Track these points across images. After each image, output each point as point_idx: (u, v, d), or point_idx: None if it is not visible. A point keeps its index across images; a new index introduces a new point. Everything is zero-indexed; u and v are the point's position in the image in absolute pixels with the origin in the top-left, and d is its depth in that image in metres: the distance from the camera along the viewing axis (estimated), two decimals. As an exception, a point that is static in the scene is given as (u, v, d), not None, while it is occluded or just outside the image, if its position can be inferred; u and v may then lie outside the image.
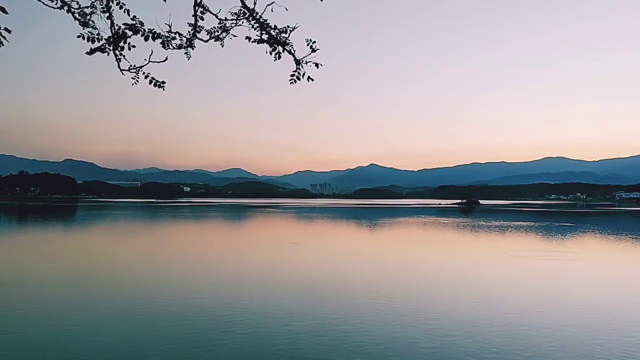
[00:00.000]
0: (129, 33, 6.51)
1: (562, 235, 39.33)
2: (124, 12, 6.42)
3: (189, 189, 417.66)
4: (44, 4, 6.17)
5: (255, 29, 6.89)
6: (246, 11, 6.82)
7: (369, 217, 73.36)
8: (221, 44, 7.17)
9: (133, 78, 6.92)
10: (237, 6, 6.83)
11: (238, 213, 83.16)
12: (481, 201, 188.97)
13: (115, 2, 6.42)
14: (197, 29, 6.99)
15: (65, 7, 6.35)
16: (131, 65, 6.91)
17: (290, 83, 7.13)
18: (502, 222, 57.62)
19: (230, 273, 19.07)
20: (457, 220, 63.96)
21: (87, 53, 6.56)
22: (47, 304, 13.18)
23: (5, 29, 5.42)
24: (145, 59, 6.88)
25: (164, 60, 7.12)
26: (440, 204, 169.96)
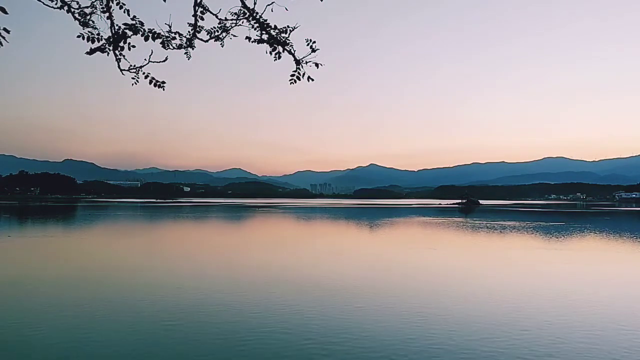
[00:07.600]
0: (129, 33, 6.51)
1: (562, 235, 39.30)
2: (124, 12, 6.42)
3: (189, 189, 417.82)
4: (44, 4, 6.17)
5: (255, 29, 6.90)
6: (246, 11, 6.82)
7: (369, 217, 73.31)
8: (221, 44, 7.17)
9: (133, 78, 6.92)
10: (237, 6, 6.84)
11: (238, 213, 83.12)
12: (481, 201, 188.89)
13: (115, 2, 6.42)
14: (197, 29, 6.99)
15: (65, 7, 6.35)
16: (131, 65, 6.92)
17: (290, 83, 7.12)
18: (501, 222, 57.58)
19: (230, 273, 19.04)
20: (457, 220, 63.92)
21: (87, 53, 6.56)
22: (46, 304, 13.16)
23: (5, 29, 5.42)
24: (145, 59, 6.89)
25: (164, 60, 7.12)
26: (440, 204, 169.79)
